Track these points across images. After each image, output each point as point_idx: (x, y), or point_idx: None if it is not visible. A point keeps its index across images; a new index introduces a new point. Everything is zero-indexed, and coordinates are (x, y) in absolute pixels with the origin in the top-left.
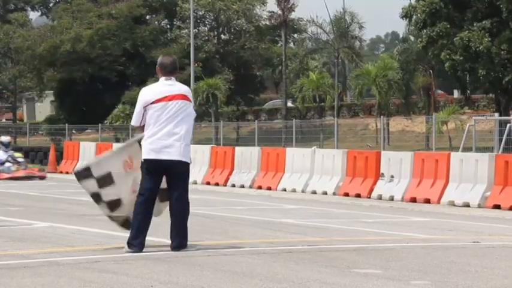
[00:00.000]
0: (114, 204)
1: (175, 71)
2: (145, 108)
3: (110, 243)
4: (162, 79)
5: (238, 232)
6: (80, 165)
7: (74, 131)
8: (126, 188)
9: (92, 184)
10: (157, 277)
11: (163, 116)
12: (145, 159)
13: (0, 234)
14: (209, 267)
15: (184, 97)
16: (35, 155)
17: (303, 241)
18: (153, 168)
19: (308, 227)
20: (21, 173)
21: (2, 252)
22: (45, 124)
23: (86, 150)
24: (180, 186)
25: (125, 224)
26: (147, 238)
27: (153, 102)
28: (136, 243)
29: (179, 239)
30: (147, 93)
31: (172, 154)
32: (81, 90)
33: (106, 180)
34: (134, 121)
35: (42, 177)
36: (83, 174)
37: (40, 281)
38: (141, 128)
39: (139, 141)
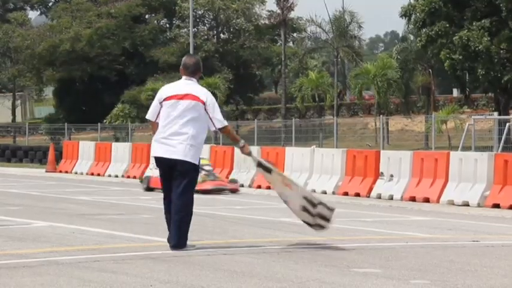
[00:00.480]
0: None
1: (197, 71)
2: (160, 103)
3: (109, 242)
4: (183, 78)
5: (238, 231)
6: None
7: (73, 131)
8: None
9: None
10: (157, 276)
11: (173, 113)
12: (153, 156)
13: None
14: (209, 266)
15: (195, 97)
16: (34, 155)
17: (302, 240)
18: (160, 165)
19: (307, 227)
20: (208, 185)
21: (1, 251)
22: (45, 123)
23: (85, 149)
24: (182, 185)
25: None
26: (146, 238)
27: (165, 99)
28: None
29: (177, 238)
30: (163, 90)
31: (176, 153)
32: (81, 89)
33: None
34: (149, 115)
35: (234, 191)
36: None
37: (39, 280)
38: (156, 125)
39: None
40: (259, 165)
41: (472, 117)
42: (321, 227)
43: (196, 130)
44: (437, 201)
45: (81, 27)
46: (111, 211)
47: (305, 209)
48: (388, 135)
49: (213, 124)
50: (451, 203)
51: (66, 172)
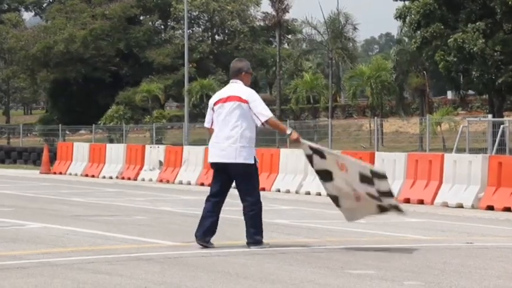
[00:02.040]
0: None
1: (238, 73)
2: (212, 109)
3: (103, 244)
4: (230, 82)
5: (232, 233)
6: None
7: (67, 132)
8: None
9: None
10: (151, 278)
11: (220, 117)
12: (209, 162)
13: None
14: (203, 268)
15: (237, 98)
16: (29, 156)
17: (296, 242)
18: (214, 168)
19: (302, 228)
20: None
21: None
22: (39, 125)
23: (80, 151)
24: (244, 186)
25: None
26: (140, 239)
27: (214, 104)
28: (197, 235)
29: (256, 235)
30: (213, 96)
31: (226, 157)
32: (75, 90)
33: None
34: (205, 123)
35: None
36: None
37: (33, 281)
38: (212, 130)
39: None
40: (311, 149)
41: (466, 119)
42: (396, 208)
43: (245, 130)
44: (432, 203)
45: (76, 28)
46: (105, 212)
47: (370, 195)
48: (382, 136)
49: (258, 119)
50: (445, 204)
51: (61, 173)
